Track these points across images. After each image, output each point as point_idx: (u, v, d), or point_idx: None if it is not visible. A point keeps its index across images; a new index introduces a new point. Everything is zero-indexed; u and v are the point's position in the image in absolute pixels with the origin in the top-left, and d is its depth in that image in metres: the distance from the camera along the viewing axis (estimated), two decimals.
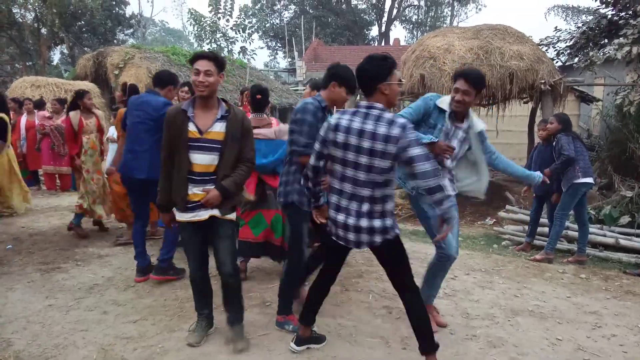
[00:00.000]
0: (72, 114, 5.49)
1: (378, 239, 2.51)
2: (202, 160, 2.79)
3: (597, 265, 5.03)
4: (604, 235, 5.65)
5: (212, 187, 2.81)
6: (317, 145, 2.61)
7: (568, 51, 9.31)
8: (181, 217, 2.87)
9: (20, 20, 19.64)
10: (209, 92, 2.76)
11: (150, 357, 2.89)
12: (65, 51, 23.22)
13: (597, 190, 7.78)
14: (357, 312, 3.57)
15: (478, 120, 3.25)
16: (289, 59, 31.15)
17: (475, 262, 4.95)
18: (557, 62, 9.55)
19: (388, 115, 2.44)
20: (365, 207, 2.49)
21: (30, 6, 19.84)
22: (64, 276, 4.24)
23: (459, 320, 3.49)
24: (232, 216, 2.93)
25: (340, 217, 2.56)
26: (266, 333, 3.18)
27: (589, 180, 4.92)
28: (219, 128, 2.79)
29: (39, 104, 8.71)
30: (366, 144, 2.41)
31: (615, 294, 4.12)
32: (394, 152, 2.37)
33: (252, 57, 31.67)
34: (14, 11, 19.28)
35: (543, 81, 6.93)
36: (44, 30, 20.19)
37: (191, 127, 2.77)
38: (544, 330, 3.36)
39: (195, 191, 2.82)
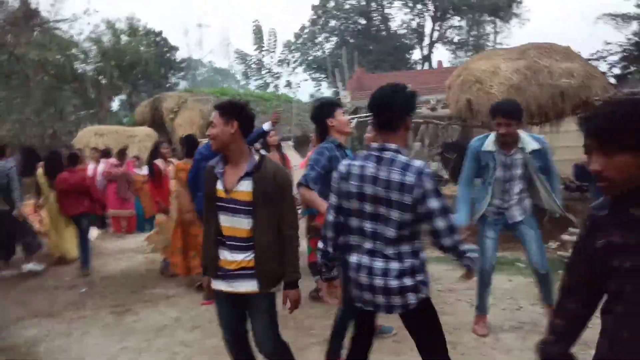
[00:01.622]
0: (158, 161, 6.00)
1: (412, 299, 2.16)
2: (228, 222, 2.46)
3: None
4: None
5: (248, 255, 2.45)
6: (333, 199, 2.32)
7: (621, 64, 8.97)
8: (215, 285, 2.54)
9: (81, 71, 21.22)
10: (218, 146, 2.45)
11: None
12: (124, 98, 24.74)
13: None
14: None
15: (530, 141, 3.47)
16: (334, 89, 31.67)
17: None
18: (609, 75, 9.22)
19: (402, 157, 2.12)
20: (394, 264, 2.14)
21: (90, 61, 21.45)
22: (135, 318, 4.48)
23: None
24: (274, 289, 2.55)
25: (364, 278, 2.19)
26: None
27: None
28: (245, 187, 2.42)
29: (106, 153, 9.36)
30: (382, 193, 2.10)
31: None
32: (409, 202, 2.06)
33: (297, 90, 32.51)
34: (76, 67, 20.87)
35: (597, 98, 6.71)
36: (103, 81, 21.67)
37: (219, 185, 2.46)
38: None
39: (227, 257, 2.48)
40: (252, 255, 2.44)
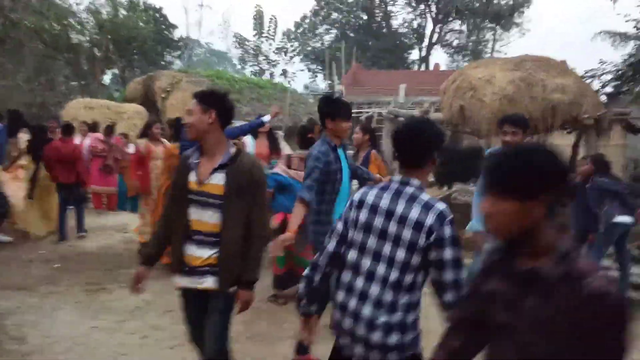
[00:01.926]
0: (140, 141, 5.97)
1: (393, 357, 1.85)
2: (199, 216, 2.33)
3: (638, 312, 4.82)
4: None
5: (215, 252, 2.32)
6: (339, 226, 2.03)
7: (614, 83, 9.09)
8: (179, 281, 2.42)
9: (77, 42, 20.88)
10: (194, 134, 2.33)
11: None
12: (116, 72, 24.45)
13: None
14: None
15: None
16: (329, 82, 31.60)
17: None
18: (601, 94, 9.34)
19: (425, 196, 1.90)
20: (382, 315, 1.83)
21: (87, 32, 21.12)
22: (108, 298, 4.46)
23: None
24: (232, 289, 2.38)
25: (347, 323, 1.90)
26: None
27: (628, 220, 4.79)
28: (218, 180, 2.29)
29: (93, 127, 9.25)
30: (393, 228, 1.86)
31: None
32: (422, 245, 1.81)
33: (293, 80, 32.40)
34: (71, 37, 20.55)
35: (587, 116, 6.79)
36: (98, 54, 21.38)
37: (191, 176, 2.34)
38: None
39: (194, 252, 2.35)
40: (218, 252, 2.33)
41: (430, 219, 1.81)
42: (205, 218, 2.32)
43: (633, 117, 7.87)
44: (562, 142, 8.75)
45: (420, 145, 1.94)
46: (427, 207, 1.84)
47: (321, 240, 2.76)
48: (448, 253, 1.80)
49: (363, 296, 1.88)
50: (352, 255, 1.96)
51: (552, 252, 1.25)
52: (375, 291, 1.85)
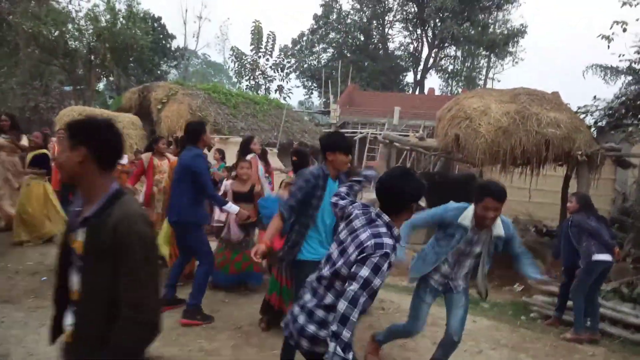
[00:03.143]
0: (144, 155, 6.06)
1: (318, 350, 2.21)
2: (72, 280, 1.81)
3: (627, 350, 4.85)
4: (637, 317, 5.45)
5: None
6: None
7: (606, 120, 9.27)
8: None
9: (74, 48, 20.81)
10: (64, 177, 1.82)
11: None
12: (111, 79, 24.39)
13: (631, 263, 7.55)
14: None
15: (499, 225, 3.31)
16: (324, 100, 31.79)
17: (502, 335, 4.85)
18: (594, 129, 9.50)
19: (383, 229, 2.20)
20: (320, 312, 2.24)
21: (84, 39, 21.10)
22: None
23: None
24: None
25: (296, 310, 2.35)
26: None
27: (606, 258, 4.87)
28: (80, 236, 1.75)
29: None
30: (348, 243, 2.24)
31: None
32: (352, 260, 2.15)
33: (288, 96, 32.57)
34: (69, 42, 20.52)
35: (580, 152, 6.89)
36: (94, 60, 21.32)
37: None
38: None
39: (66, 325, 1.85)
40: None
41: (370, 242, 2.13)
42: (73, 283, 1.81)
43: (624, 153, 8.00)
44: (554, 174, 8.86)
45: (398, 200, 2.26)
46: (376, 235, 2.16)
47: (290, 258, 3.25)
48: (363, 271, 2.06)
49: (313, 292, 2.33)
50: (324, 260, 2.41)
51: None
52: (322, 292, 2.29)
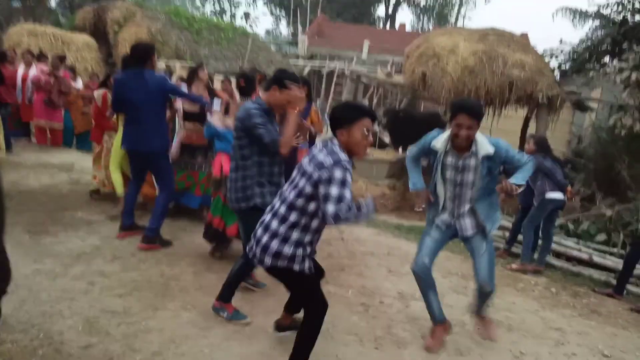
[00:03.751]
0: (96, 93, 5.58)
1: (268, 261, 2.52)
2: None
3: (568, 280, 5.23)
4: (579, 250, 5.85)
5: None
6: None
7: (570, 64, 9.39)
8: None
9: None
10: None
11: (134, 334, 3.00)
12: None
13: (580, 201, 7.99)
14: (335, 307, 3.69)
15: (485, 144, 3.05)
16: (292, 30, 30.72)
17: (453, 265, 5.12)
18: (556, 73, 9.63)
19: (337, 148, 2.47)
20: (274, 223, 2.54)
21: None
22: (52, 240, 4.32)
23: (430, 324, 3.64)
24: None
25: (259, 231, 2.60)
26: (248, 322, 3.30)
27: (558, 196, 5.11)
28: None
29: (40, 58, 8.60)
30: (307, 166, 2.49)
31: (581, 312, 4.32)
32: (315, 178, 2.40)
33: (255, 24, 31.24)
34: None
35: (541, 94, 7.03)
36: None
37: None
38: (510, 343, 3.53)
39: None
40: None
41: (328, 160, 2.39)
42: None
43: (583, 97, 8.21)
44: (515, 115, 9.05)
45: (335, 119, 2.55)
46: (331, 152, 2.43)
47: (269, 200, 3.03)
48: (333, 190, 2.34)
49: (274, 213, 2.61)
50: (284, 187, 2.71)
51: None
52: (280, 208, 2.58)
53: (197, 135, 4.87)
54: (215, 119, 4.21)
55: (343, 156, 2.42)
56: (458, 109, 2.96)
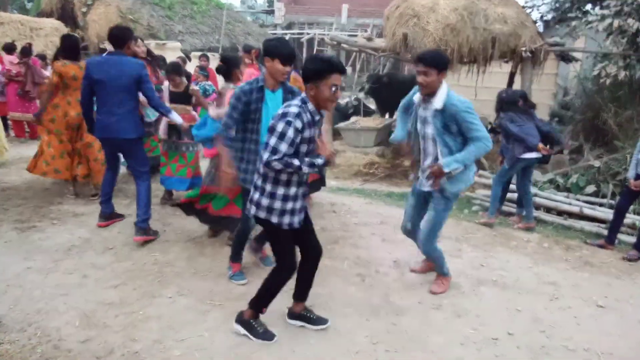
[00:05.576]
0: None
1: (252, 210, 2.74)
2: None
3: (560, 234, 5.29)
4: (569, 204, 5.89)
5: None
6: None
7: (552, 15, 9.24)
8: None
9: None
10: None
11: (132, 324, 2.99)
12: None
13: (568, 154, 8.02)
14: (331, 280, 3.71)
15: (440, 99, 3.12)
16: None
17: (445, 228, 5.09)
18: (539, 24, 9.50)
19: (295, 102, 2.61)
20: (257, 177, 2.74)
21: None
22: (41, 236, 4.25)
23: (427, 288, 3.68)
24: None
25: (252, 191, 2.78)
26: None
27: (530, 155, 5.08)
28: None
29: (9, 48, 8.27)
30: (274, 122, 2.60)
31: (574, 265, 4.38)
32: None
33: None
34: None
35: (524, 48, 6.93)
36: None
37: None
38: (505, 301, 3.58)
39: None
40: None
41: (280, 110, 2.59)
42: None
43: (567, 48, 8.13)
44: (500, 70, 8.96)
45: (304, 74, 2.60)
46: (287, 106, 2.60)
47: (248, 178, 3.20)
48: (271, 140, 2.51)
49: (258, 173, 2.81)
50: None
51: None
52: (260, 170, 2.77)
53: (183, 116, 4.77)
54: (211, 111, 4.07)
55: (294, 110, 2.52)
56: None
